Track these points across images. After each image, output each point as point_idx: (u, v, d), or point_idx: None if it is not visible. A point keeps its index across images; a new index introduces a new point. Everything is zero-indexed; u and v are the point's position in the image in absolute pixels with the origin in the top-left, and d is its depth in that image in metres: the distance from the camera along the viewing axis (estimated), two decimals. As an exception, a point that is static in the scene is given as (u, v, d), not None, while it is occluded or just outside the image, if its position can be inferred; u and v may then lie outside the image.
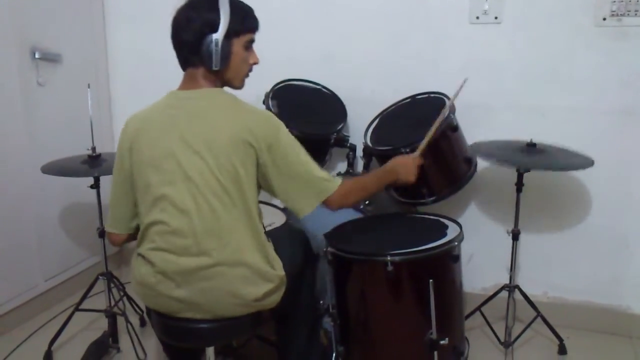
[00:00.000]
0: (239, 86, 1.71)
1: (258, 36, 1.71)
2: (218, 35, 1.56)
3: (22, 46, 2.53)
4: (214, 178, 1.54)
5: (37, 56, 2.58)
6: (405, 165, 1.93)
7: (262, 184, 1.64)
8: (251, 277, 1.59)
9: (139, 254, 1.65)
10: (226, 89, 1.69)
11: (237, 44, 1.62)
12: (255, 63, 1.70)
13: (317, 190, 1.66)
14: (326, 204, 1.69)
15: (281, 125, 1.64)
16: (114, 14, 3.01)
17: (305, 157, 1.66)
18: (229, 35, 1.59)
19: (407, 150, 2.08)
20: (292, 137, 1.65)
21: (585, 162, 2.02)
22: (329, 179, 1.69)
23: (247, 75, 1.71)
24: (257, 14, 1.69)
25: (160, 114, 1.63)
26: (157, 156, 1.58)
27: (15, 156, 2.52)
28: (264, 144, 1.57)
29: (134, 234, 1.74)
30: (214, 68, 1.59)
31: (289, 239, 1.89)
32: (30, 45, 2.56)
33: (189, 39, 1.59)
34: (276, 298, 1.68)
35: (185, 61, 1.64)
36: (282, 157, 1.60)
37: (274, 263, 1.66)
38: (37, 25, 2.59)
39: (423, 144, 2.00)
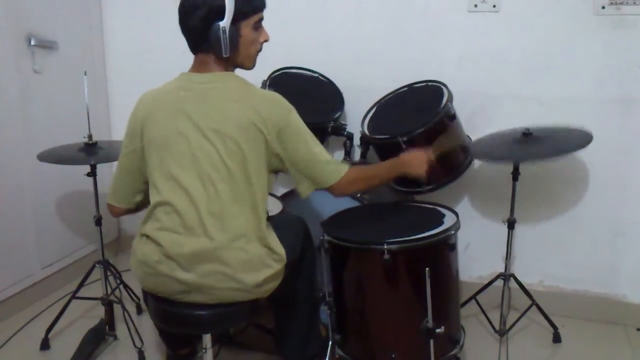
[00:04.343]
0: (250, 67, 1.70)
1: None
2: (225, 23, 1.55)
3: (18, 33, 2.50)
4: (222, 163, 1.56)
5: (32, 43, 2.55)
6: (418, 159, 1.90)
7: (272, 165, 1.66)
8: (252, 262, 1.60)
9: (144, 234, 1.65)
10: (238, 70, 1.69)
11: (246, 26, 1.62)
12: (266, 40, 1.69)
13: (322, 176, 1.69)
14: (330, 190, 1.72)
15: (292, 108, 1.66)
16: (110, 1, 2.98)
17: (314, 141, 1.69)
18: (236, 20, 1.58)
19: (405, 139, 2.07)
20: (302, 121, 1.67)
21: (580, 142, 2.00)
22: (336, 165, 1.71)
23: (257, 54, 1.70)
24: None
25: (171, 95, 1.64)
26: (168, 138, 1.60)
27: (11, 144, 2.51)
28: (273, 129, 1.59)
29: (133, 209, 1.78)
30: (224, 55, 1.59)
31: (290, 227, 1.90)
32: (26, 32, 2.53)
33: (196, 26, 1.58)
34: (276, 285, 1.69)
35: (195, 47, 1.64)
36: (291, 141, 1.63)
37: (275, 249, 1.66)
38: (33, 12, 2.57)
39: (442, 148, 2.02)
